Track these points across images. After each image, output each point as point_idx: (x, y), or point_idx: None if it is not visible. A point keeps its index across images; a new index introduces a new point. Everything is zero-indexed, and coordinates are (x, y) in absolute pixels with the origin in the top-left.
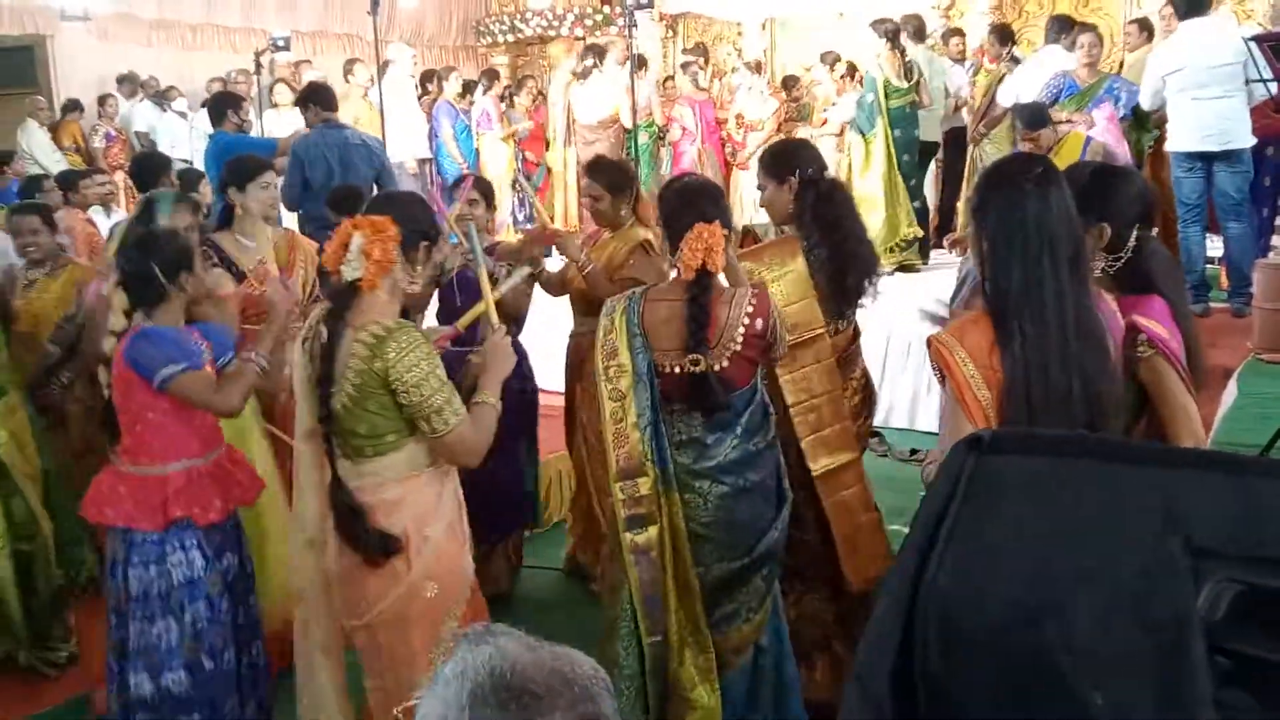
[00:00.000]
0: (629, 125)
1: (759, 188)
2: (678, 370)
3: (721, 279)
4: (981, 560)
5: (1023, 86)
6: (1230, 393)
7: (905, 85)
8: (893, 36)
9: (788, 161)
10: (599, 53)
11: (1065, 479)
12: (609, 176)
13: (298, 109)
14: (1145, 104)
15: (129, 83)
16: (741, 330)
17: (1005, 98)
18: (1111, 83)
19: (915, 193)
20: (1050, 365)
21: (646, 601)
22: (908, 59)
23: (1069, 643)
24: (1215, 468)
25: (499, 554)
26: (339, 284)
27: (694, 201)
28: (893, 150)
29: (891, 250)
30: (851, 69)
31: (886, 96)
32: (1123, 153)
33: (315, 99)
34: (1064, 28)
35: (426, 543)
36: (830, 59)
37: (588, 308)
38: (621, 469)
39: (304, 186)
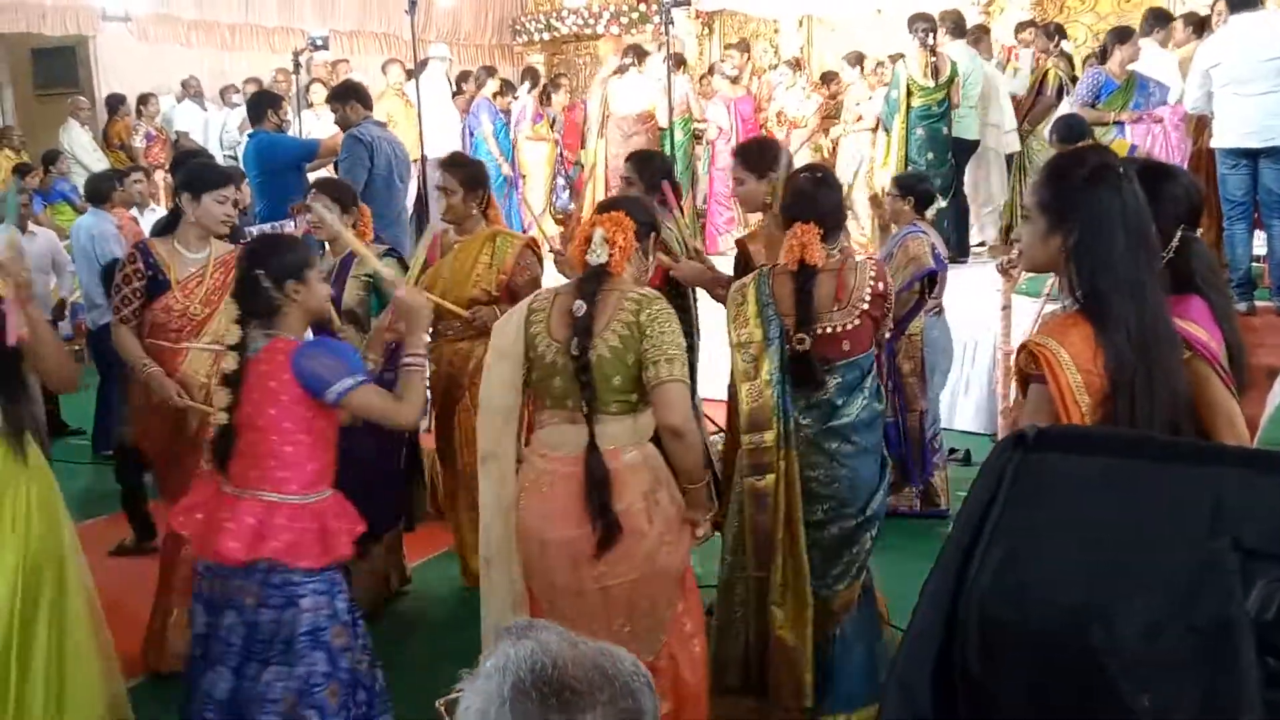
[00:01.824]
0: (664, 124)
1: (736, 181)
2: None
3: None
4: (1026, 560)
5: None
6: (1276, 393)
7: (931, 84)
8: (924, 35)
9: (772, 158)
10: (640, 54)
11: (1111, 478)
12: (466, 171)
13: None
14: (1188, 105)
15: (187, 87)
16: (869, 290)
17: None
18: (1140, 81)
19: (944, 191)
20: (1154, 368)
21: (757, 539)
22: (934, 59)
23: (1116, 645)
24: (1264, 467)
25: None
26: (587, 271)
27: (799, 199)
28: (907, 148)
29: None
30: (893, 59)
31: (910, 94)
32: (1180, 157)
33: (358, 96)
34: (1160, 21)
35: (659, 503)
36: (854, 58)
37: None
38: (752, 422)
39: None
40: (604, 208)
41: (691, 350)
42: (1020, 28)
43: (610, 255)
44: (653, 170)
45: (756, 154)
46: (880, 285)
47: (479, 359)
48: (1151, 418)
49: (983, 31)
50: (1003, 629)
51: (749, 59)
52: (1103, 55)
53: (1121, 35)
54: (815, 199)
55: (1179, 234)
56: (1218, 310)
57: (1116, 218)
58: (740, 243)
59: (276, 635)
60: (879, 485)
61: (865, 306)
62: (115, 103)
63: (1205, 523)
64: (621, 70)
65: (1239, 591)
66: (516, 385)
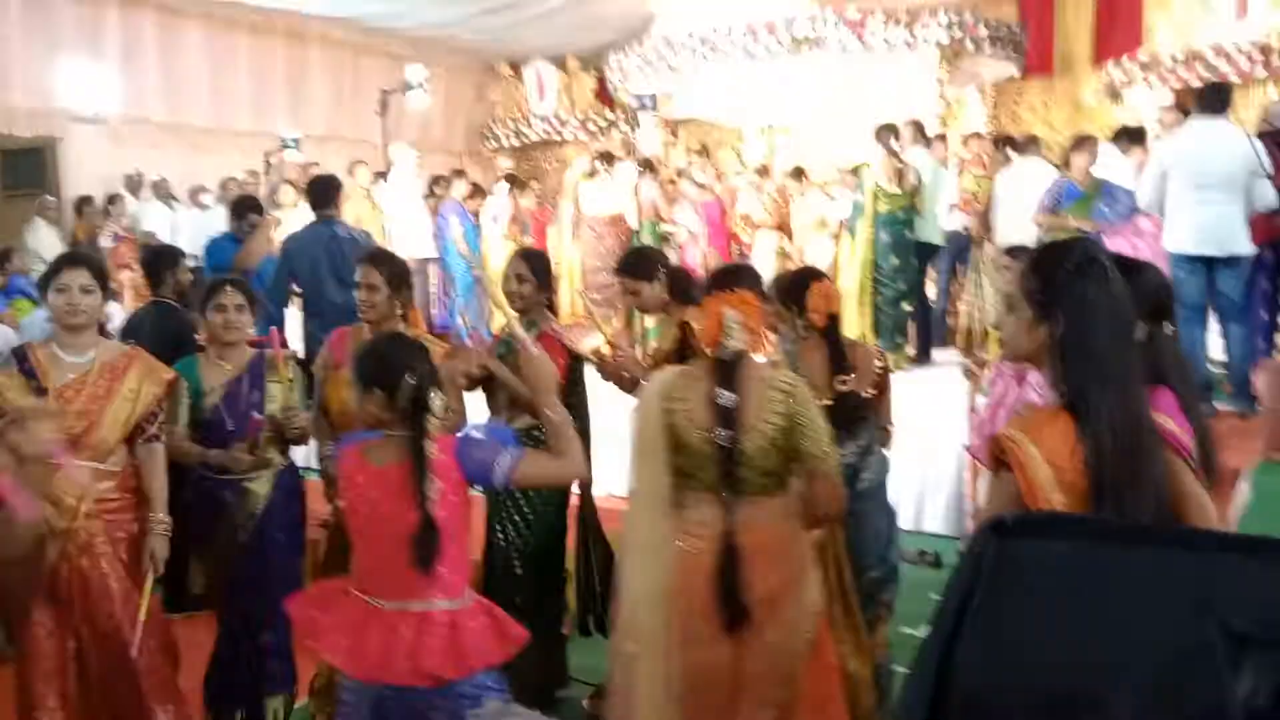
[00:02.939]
0: (634, 226)
1: (630, 293)
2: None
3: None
4: (1009, 648)
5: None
6: (1243, 492)
7: (898, 191)
8: (888, 143)
9: (653, 262)
10: (607, 158)
11: (1091, 563)
12: (391, 268)
13: (302, 209)
14: (1141, 203)
15: (135, 183)
16: (876, 365)
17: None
18: (1106, 187)
19: (908, 295)
20: (1140, 464)
21: None
22: (899, 166)
23: None
24: (1242, 550)
25: None
26: (725, 355)
27: (807, 269)
28: (871, 253)
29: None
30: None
31: (875, 199)
32: (1164, 263)
33: (311, 193)
34: (1129, 136)
35: (799, 588)
36: (795, 173)
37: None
38: None
39: (291, 280)
40: (720, 281)
41: (585, 436)
42: (966, 140)
43: (748, 339)
44: (541, 267)
45: (636, 263)
46: (882, 365)
47: None
48: (1137, 514)
49: (938, 138)
50: (989, 718)
51: (710, 163)
52: (1066, 164)
53: (1078, 143)
54: (819, 269)
55: (1147, 329)
56: (1185, 402)
57: (1104, 310)
58: (682, 324)
59: None
60: (890, 535)
61: (876, 376)
62: (81, 203)
63: (1191, 607)
64: (592, 174)
65: (1229, 677)
66: (665, 473)
